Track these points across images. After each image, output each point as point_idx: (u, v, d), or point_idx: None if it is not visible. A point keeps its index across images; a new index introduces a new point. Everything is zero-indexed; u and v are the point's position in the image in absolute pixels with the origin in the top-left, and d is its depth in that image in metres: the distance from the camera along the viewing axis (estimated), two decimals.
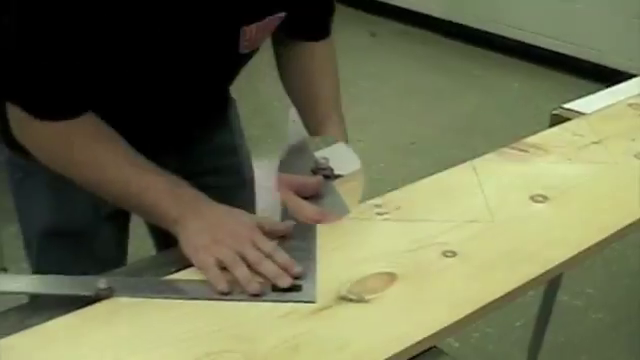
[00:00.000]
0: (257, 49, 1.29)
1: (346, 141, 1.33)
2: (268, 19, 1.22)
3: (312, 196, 1.20)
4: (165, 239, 1.27)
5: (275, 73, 1.47)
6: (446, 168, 1.41)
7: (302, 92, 1.43)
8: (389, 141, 3.63)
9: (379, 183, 2.88)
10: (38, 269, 1.41)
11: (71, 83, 1.11)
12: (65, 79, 1.10)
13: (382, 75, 4.54)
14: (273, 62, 1.46)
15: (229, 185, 1.20)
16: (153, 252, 1.53)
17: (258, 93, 3.78)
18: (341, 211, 1.17)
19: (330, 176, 1.25)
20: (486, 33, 4.91)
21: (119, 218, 1.43)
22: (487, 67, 4.71)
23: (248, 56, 1.28)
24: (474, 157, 1.44)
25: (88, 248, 1.40)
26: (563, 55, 4.58)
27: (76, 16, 1.03)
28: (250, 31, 1.20)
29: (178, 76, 1.23)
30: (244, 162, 1.59)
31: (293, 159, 1.27)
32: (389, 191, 1.32)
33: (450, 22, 5.10)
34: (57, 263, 1.36)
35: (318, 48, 1.43)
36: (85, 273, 1.10)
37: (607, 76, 3.97)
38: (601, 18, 4.31)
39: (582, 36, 4.47)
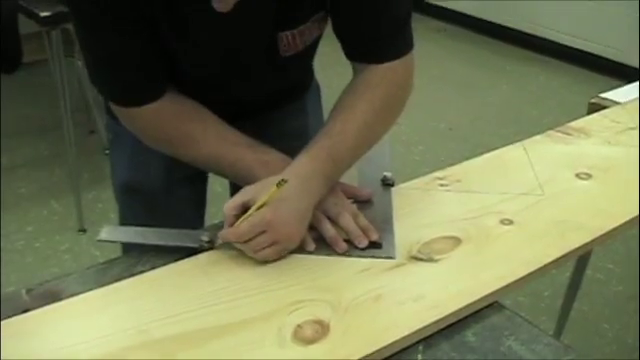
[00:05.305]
0: (314, 46, 1.25)
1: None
2: (304, 26, 1.17)
3: (365, 202, 1.19)
4: None
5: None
6: (482, 153, 1.40)
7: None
8: (428, 126, 3.62)
9: (420, 164, 2.90)
10: (122, 220, 1.44)
11: (139, 74, 1.13)
12: (133, 72, 1.12)
13: (420, 65, 4.55)
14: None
15: None
16: None
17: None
18: (386, 219, 1.15)
19: (392, 185, 1.26)
20: (516, 31, 4.86)
21: (194, 181, 1.43)
22: (517, 62, 4.67)
23: (300, 55, 1.22)
24: (505, 144, 1.44)
25: (162, 206, 1.41)
26: (586, 53, 4.53)
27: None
28: (286, 37, 1.16)
29: (233, 75, 1.22)
30: None
31: (368, 165, 1.28)
32: (430, 171, 1.32)
33: (484, 20, 5.06)
34: (135, 217, 1.37)
35: (367, 73, 1.19)
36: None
37: (627, 74, 3.92)
38: (623, 20, 4.26)
39: (604, 36, 4.42)
